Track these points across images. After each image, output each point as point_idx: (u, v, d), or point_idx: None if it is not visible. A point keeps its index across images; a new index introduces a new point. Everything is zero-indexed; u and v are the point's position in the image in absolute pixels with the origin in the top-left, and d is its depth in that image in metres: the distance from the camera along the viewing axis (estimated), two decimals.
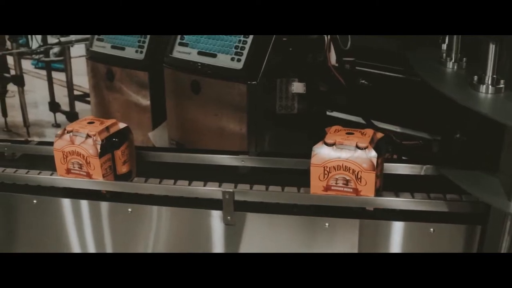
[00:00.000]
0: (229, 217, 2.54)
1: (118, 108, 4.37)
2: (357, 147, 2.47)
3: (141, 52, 4.09)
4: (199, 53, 3.69)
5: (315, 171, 2.52)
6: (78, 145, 2.45)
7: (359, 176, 2.46)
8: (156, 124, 4.05)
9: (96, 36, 4.45)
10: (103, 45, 4.39)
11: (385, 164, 2.75)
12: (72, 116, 6.13)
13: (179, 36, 3.79)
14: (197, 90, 3.66)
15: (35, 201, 2.67)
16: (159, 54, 3.95)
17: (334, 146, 2.51)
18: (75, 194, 2.61)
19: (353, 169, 2.47)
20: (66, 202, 2.64)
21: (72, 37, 5.69)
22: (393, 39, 3.30)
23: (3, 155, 2.94)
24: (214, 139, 3.65)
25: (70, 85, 6.02)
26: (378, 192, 2.55)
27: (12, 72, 6.76)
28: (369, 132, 2.62)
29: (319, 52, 3.57)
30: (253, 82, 3.43)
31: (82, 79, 5.98)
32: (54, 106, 6.51)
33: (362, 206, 2.58)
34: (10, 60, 6.83)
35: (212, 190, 2.55)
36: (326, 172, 2.50)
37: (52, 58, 6.82)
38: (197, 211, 2.57)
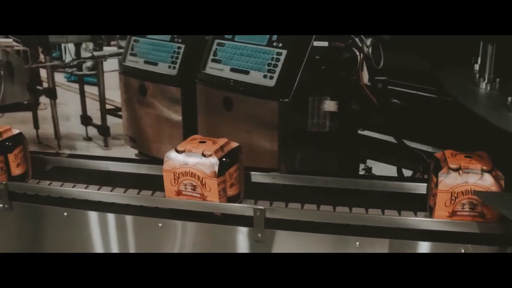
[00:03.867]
0: (259, 234, 2.56)
1: (150, 123, 4.46)
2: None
3: (174, 67, 4.19)
4: (232, 69, 3.76)
5: None
6: (192, 166, 2.34)
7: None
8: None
9: (129, 51, 4.54)
10: (136, 60, 4.48)
11: (414, 183, 2.78)
12: (103, 129, 6.26)
13: (212, 53, 3.87)
14: (229, 107, 3.73)
15: (65, 213, 2.71)
16: (192, 70, 4.03)
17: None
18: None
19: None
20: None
21: (106, 52, 5.83)
22: (424, 59, 3.33)
23: (35, 167, 3.00)
24: (245, 156, 3.69)
25: (102, 99, 6.17)
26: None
27: (45, 84, 6.94)
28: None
29: (351, 71, 3.61)
30: (285, 100, 3.48)
31: (114, 93, 6.10)
32: (85, 120, 6.65)
33: (389, 226, 2.59)
34: (43, 73, 7.02)
35: (243, 207, 2.56)
36: None
37: (85, 72, 6.98)
38: (227, 227, 2.60)
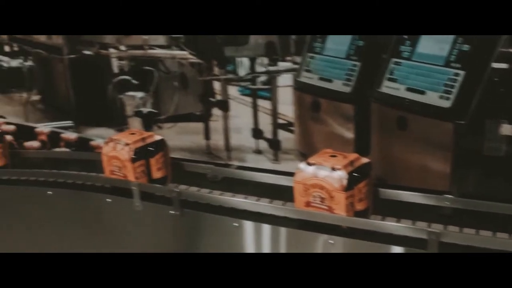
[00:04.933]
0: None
1: (321, 139, 4.69)
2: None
3: (349, 85, 4.41)
4: (408, 89, 3.91)
5: None
6: (322, 179, 2.41)
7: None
8: None
9: (304, 67, 4.81)
10: (311, 76, 4.74)
11: None
12: (274, 143, 6.57)
13: (388, 71, 4.05)
14: (403, 126, 3.88)
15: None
16: (366, 88, 4.24)
17: None
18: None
19: None
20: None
21: (280, 67, 6.14)
22: None
23: (205, 177, 3.16)
24: (416, 176, 3.85)
25: (274, 114, 6.48)
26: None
27: (218, 97, 7.41)
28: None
29: None
30: (461, 122, 3.58)
31: (286, 108, 6.42)
32: (257, 133, 7.01)
33: None
34: (216, 85, 7.48)
35: (416, 229, 2.46)
36: None
37: (258, 86, 7.36)
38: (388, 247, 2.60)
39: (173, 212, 2.73)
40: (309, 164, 2.42)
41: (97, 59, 7.57)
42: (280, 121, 6.82)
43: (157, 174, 2.83)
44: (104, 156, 2.77)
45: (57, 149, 3.37)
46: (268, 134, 6.78)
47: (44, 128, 3.39)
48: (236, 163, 5.30)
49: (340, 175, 2.33)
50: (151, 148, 2.80)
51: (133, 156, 2.69)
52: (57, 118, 7.37)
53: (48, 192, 2.93)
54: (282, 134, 6.66)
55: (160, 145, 2.85)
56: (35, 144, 3.25)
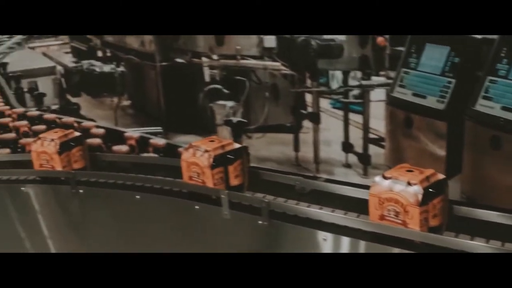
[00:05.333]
0: None
1: (412, 155, 4.71)
2: None
3: (443, 102, 4.43)
4: (503, 108, 3.91)
5: None
6: (396, 193, 2.44)
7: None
8: (448, 176, 4.32)
9: (398, 82, 4.86)
10: (404, 92, 4.77)
11: None
12: (364, 158, 6.61)
13: (483, 89, 4.05)
14: (497, 146, 3.89)
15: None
16: (461, 106, 4.24)
17: None
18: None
19: None
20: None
21: (374, 81, 6.19)
22: None
23: (293, 188, 3.21)
24: (509, 197, 3.86)
25: (366, 128, 6.52)
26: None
27: (309, 109, 7.51)
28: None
29: None
30: None
31: (378, 123, 6.46)
32: (347, 147, 7.06)
33: None
34: (308, 97, 7.59)
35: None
36: None
37: (351, 99, 7.42)
38: None
39: (261, 222, 2.77)
40: (385, 178, 2.46)
41: (189, 67, 7.79)
42: (371, 135, 6.87)
43: (234, 182, 2.90)
44: (183, 162, 2.86)
45: (145, 154, 3.48)
46: (358, 148, 6.83)
47: (133, 133, 3.49)
48: (324, 176, 5.34)
49: (416, 190, 2.37)
50: (230, 156, 2.90)
51: (213, 163, 2.79)
52: (146, 124, 7.61)
53: (136, 197, 3.05)
54: (372, 149, 6.70)
55: (239, 153, 2.91)
56: (123, 148, 3.35)
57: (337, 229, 2.74)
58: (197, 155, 2.81)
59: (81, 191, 3.02)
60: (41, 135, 3.04)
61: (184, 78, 8.06)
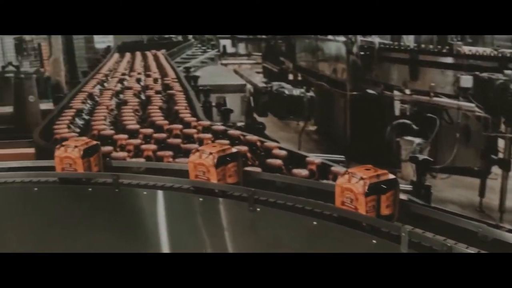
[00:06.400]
0: None
1: None
2: None
3: None
4: None
5: None
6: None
7: None
8: None
9: None
10: None
11: None
12: None
13: None
14: None
15: None
16: None
17: None
18: None
19: None
20: None
21: None
22: None
23: (475, 235, 3.07)
24: None
25: None
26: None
27: (501, 155, 7.27)
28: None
29: None
30: None
31: None
32: None
33: None
34: (501, 142, 7.33)
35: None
36: None
37: None
38: None
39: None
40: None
41: (379, 99, 7.79)
42: None
43: (385, 211, 3.00)
44: (337, 187, 2.97)
45: (325, 181, 3.52)
46: None
47: (315, 158, 3.56)
48: (507, 226, 5.19)
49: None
50: (383, 186, 3.00)
51: (367, 191, 2.85)
52: (329, 151, 7.67)
53: (314, 223, 3.12)
54: None
55: (392, 184, 2.94)
56: (303, 172, 3.42)
57: None
58: (352, 181, 2.86)
59: (258, 209, 3.12)
60: (200, 148, 3.16)
61: (373, 110, 8.08)
